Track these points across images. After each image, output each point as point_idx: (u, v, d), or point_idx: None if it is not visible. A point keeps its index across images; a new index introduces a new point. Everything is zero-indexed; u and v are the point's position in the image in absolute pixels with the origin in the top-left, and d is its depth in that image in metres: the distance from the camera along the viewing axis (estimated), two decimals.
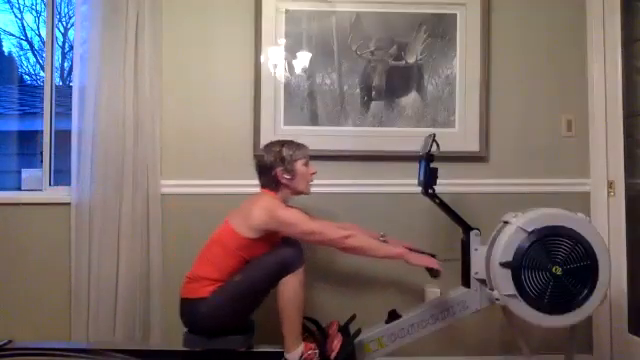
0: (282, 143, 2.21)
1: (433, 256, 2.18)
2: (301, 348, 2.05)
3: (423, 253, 2.19)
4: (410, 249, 2.17)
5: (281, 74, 2.65)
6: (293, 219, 2.08)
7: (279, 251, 2.08)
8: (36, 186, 2.72)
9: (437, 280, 2.18)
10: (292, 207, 2.20)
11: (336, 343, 2.06)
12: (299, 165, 2.18)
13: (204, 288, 2.05)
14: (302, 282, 2.06)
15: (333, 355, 2.02)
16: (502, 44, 2.72)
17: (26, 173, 2.82)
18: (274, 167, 2.17)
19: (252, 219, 2.08)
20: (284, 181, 2.17)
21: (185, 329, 2.11)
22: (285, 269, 2.03)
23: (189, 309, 2.08)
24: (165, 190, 2.57)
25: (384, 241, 2.29)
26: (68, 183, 2.58)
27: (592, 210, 2.68)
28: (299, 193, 2.22)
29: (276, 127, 2.64)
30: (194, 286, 2.08)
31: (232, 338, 2.08)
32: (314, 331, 2.15)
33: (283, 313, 2.04)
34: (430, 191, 2.22)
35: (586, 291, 2.02)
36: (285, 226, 2.08)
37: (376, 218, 2.66)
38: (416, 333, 2.17)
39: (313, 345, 2.07)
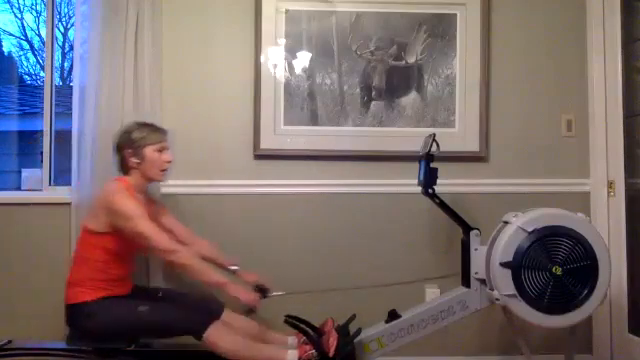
0: (138, 125, 2.18)
1: (264, 291, 2.21)
2: (294, 354, 2.03)
3: (260, 288, 2.21)
4: (259, 287, 2.20)
5: (281, 74, 2.65)
6: (129, 212, 1.99)
7: (190, 309, 2.07)
8: (36, 186, 2.71)
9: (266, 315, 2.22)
10: (144, 200, 2.15)
11: (332, 340, 2.02)
12: (149, 150, 2.13)
13: (85, 291, 2.03)
14: (226, 328, 2.04)
15: (331, 352, 2.00)
16: (502, 44, 2.72)
17: (26, 173, 2.82)
18: (123, 149, 2.14)
19: (96, 211, 2.06)
20: (132, 164, 2.13)
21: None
22: (194, 330, 2.00)
23: (74, 314, 2.05)
24: (165, 190, 2.56)
25: (233, 271, 2.27)
26: (68, 183, 2.58)
27: (592, 210, 2.68)
28: (150, 180, 2.18)
29: (276, 127, 2.64)
30: (74, 291, 2.06)
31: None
32: (309, 332, 2.14)
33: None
34: (430, 191, 2.22)
35: (586, 291, 2.02)
36: (119, 217, 2.00)
37: (376, 218, 2.66)
38: (416, 333, 2.16)
39: (309, 347, 2.04)
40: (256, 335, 2.18)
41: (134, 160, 2.12)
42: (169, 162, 2.19)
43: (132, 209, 2.00)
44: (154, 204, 2.30)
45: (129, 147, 2.12)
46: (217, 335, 2.00)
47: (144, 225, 2.00)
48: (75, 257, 2.14)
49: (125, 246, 2.09)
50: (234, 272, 2.28)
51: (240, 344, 2.02)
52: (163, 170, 2.18)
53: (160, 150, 2.16)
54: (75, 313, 2.05)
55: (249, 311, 2.13)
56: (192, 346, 2.08)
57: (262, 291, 2.23)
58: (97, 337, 2.05)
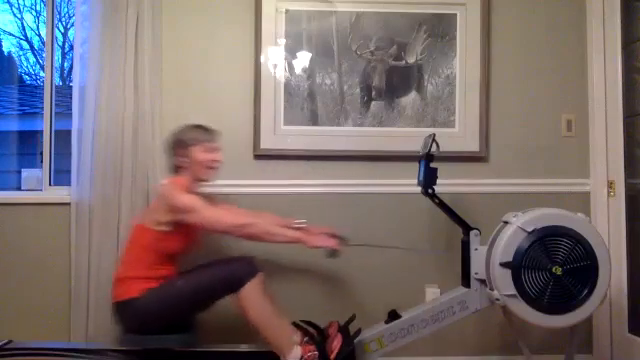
0: (188, 127, 2.23)
1: (339, 238, 2.23)
2: (298, 350, 2.04)
3: (335, 236, 2.22)
4: (334, 235, 2.22)
5: (281, 74, 2.65)
6: (190, 205, 2.06)
7: (228, 265, 2.09)
8: (36, 186, 2.72)
9: (334, 259, 2.20)
10: (196, 194, 2.17)
11: (336, 343, 2.05)
12: (196, 150, 2.17)
13: (132, 287, 2.05)
14: (262, 290, 2.05)
15: (333, 355, 2.02)
16: (502, 44, 2.72)
17: (26, 173, 2.83)
18: (173, 149, 2.20)
19: (155, 211, 2.11)
20: (181, 164, 2.19)
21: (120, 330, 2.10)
22: (234, 284, 2.03)
23: (123, 311, 2.07)
24: None
25: (303, 227, 2.29)
26: (68, 183, 2.58)
27: (592, 210, 2.68)
28: (199, 179, 2.21)
29: (276, 127, 2.64)
30: (122, 288, 2.08)
31: (171, 337, 2.08)
32: (313, 333, 2.15)
33: (259, 326, 2.04)
34: (430, 191, 2.22)
35: (586, 291, 2.02)
36: (184, 213, 2.06)
37: (376, 218, 2.66)
38: (416, 333, 2.17)
39: (312, 347, 2.05)
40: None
41: (183, 160, 2.17)
42: (217, 162, 2.23)
43: (192, 202, 2.07)
44: (207, 199, 2.31)
45: (179, 148, 2.18)
46: (252, 292, 2.02)
47: (209, 212, 2.08)
48: (126, 255, 2.17)
49: (180, 246, 2.14)
50: (303, 228, 2.29)
51: (267, 310, 2.05)
52: (211, 169, 2.22)
53: (208, 150, 2.20)
54: (125, 310, 2.07)
55: (332, 254, 2.17)
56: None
57: (338, 238, 2.24)
58: (149, 328, 2.05)
